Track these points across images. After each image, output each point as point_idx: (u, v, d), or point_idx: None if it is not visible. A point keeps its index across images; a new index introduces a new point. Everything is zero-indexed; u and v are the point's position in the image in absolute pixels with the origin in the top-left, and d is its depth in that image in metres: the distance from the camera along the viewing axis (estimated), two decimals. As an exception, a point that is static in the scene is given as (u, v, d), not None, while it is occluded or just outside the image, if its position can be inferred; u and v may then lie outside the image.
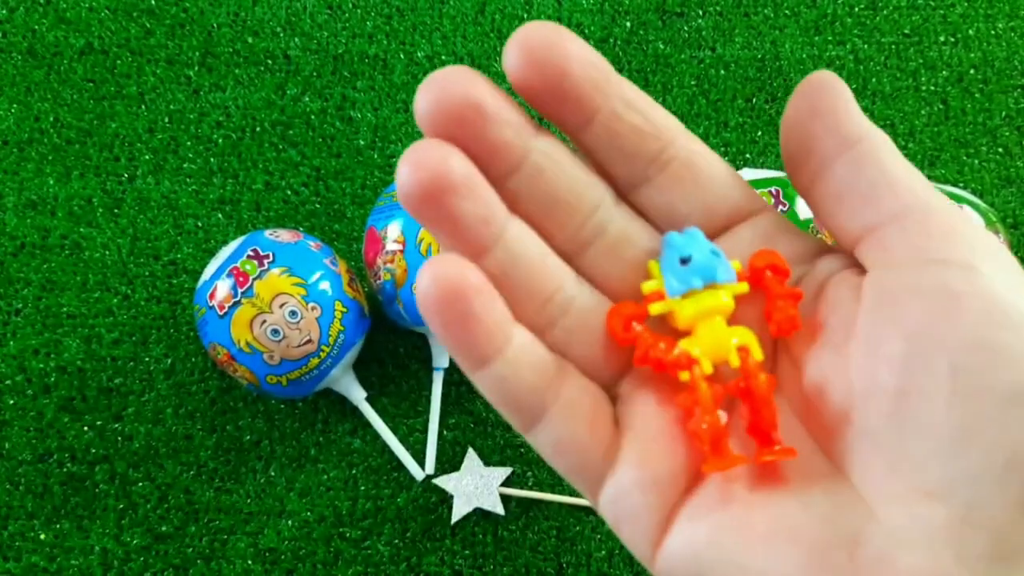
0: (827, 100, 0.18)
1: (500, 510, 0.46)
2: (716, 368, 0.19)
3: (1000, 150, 0.54)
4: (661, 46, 0.57)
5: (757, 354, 0.18)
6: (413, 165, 0.17)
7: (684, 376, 0.18)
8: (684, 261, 0.18)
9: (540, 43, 0.17)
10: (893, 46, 0.57)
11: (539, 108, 0.18)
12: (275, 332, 0.42)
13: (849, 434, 0.17)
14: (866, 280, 0.18)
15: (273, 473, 0.48)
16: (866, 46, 0.57)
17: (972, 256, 0.17)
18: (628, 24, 0.57)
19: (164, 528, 0.46)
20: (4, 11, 0.56)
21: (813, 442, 0.18)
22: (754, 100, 0.55)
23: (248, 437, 0.48)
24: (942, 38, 0.57)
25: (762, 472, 0.18)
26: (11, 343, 0.49)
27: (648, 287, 0.19)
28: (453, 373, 0.49)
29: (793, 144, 0.19)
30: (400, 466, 0.48)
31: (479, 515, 0.47)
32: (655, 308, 0.19)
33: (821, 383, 0.18)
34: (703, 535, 0.17)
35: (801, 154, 0.19)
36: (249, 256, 0.44)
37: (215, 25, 0.56)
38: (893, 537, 0.16)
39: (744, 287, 0.19)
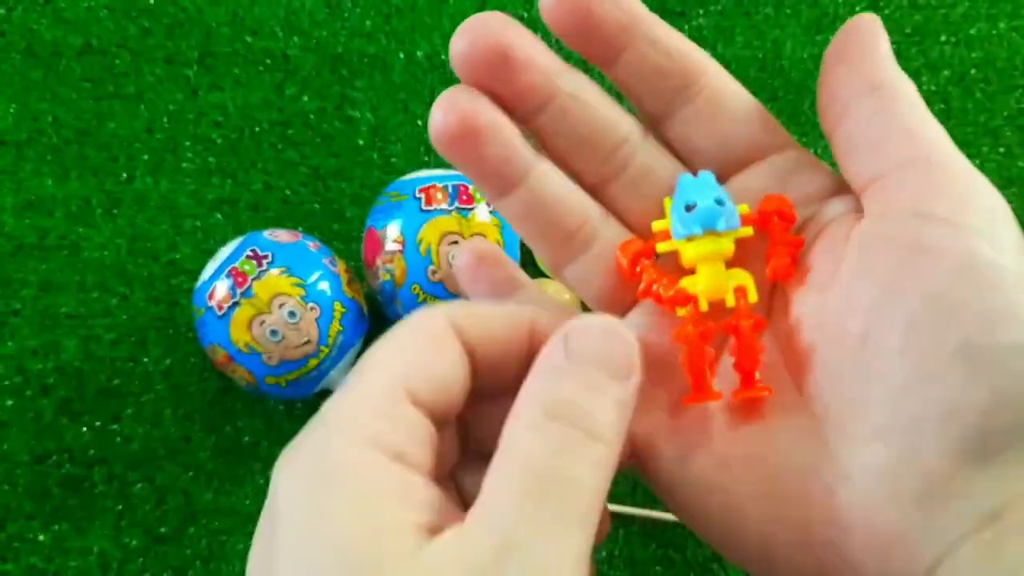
0: (856, 44, 0.19)
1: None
2: (716, 306, 0.20)
3: (1002, 150, 0.54)
4: (661, 45, 0.56)
5: (752, 296, 0.20)
6: (444, 110, 0.18)
7: (681, 312, 0.20)
8: (689, 208, 0.19)
9: None
10: (894, 45, 0.56)
11: (570, 45, 0.19)
12: (274, 333, 0.42)
13: (816, 373, 0.18)
14: (856, 227, 0.18)
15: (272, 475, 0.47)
16: (867, 45, 0.56)
17: (960, 212, 0.17)
18: (628, 23, 0.57)
19: (163, 530, 0.46)
20: (2, 10, 0.56)
21: (786, 372, 0.20)
22: (755, 100, 0.55)
23: (247, 438, 0.48)
24: (943, 38, 0.56)
25: (741, 403, 0.19)
26: (9, 344, 0.49)
27: (658, 226, 0.20)
28: (453, 374, 0.49)
29: (823, 85, 0.20)
30: (399, 467, 0.48)
31: (479, 516, 0.47)
32: (661, 247, 0.20)
33: (800, 322, 0.19)
34: (678, 453, 0.19)
35: (827, 96, 0.20)
36: (248, 256, 0.44)
37: (214, 24, 0.56)
38: (839, 472, 0.17)
39: (748, 231, 0.20)
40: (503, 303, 0.20)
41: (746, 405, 0.19)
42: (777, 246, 0.20)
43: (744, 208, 0.20)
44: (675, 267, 0.21)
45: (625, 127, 0.20)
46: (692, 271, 0.20)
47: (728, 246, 0.20)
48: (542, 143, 0.20)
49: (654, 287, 0.20)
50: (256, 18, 0.56)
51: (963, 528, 0.16)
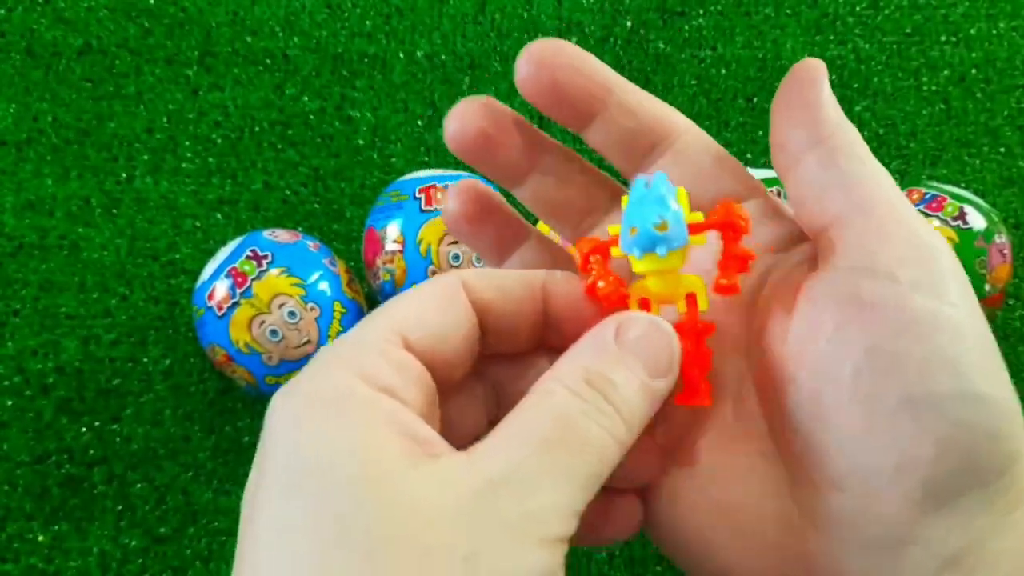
0: (799, 95, 0.19)
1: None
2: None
3: (1002, 150, 0.54)
4: (662, 45, 0.56)
5: (703, 304, 0.20)
6: (454, 200, 0.22)
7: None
8: (633, 229, 0.20)
9: (539, 61, 0.20)
10: (894, 45, 0.56)
11: (546, 114, 0.21)
12: (274, 333, 0.42)
13: (782, 422, 0.19)
14: (805, 282, 0.19)
15: (272, 474, 0.47)
16: (867, 45, 0.56)
17: (898, 265, 0.17)
18: (629, 23, 0.57)
19: (162, 530, 0.46)
20: (2, 10, 0.56)
21: (764, 422, 0.20)
22: (755, 100, 0.55)
23: (247, 438, 0.48)
24: (944, 38, 0.56)
25: (695, 447, 0.20)
26: (9, 344, 0.49)
27: (613, 229, 0.21)
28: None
29: (772, 134, 0.20)
30: (399, 467, 0.48)
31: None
32: (615, 251, 0.21)
33: (765, 372, 0.20)
34: (667, 495, 0.20)
35: (776, 146, 0.20)
36: (248, 256, 0.43)
37: (214, 24, 0.56)
38: (806, 520, 0.18)
39: (701, 240, 0.20)
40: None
41: (722, 453, 0.20)
42: (728, 259, 0.20)
43: (698, 216, 0.20)
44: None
45: (591, 199, 0.23)
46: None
47: (675, 263, 0.20)
48: (526, 206, 0.23)
49: (599, 284, 0.20)
50: (256, 18, 0.56)
51: (924, 574, 0.17)
